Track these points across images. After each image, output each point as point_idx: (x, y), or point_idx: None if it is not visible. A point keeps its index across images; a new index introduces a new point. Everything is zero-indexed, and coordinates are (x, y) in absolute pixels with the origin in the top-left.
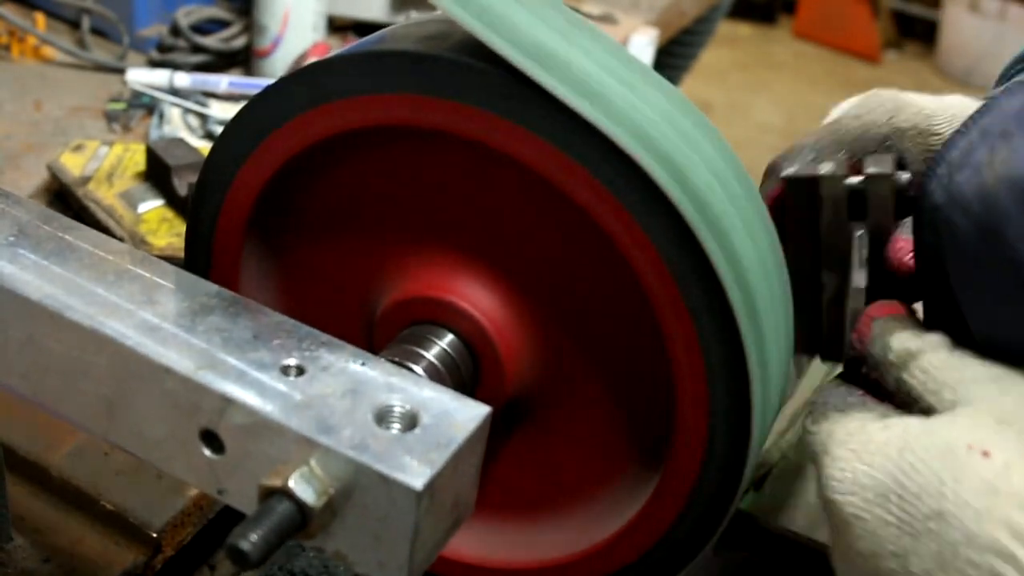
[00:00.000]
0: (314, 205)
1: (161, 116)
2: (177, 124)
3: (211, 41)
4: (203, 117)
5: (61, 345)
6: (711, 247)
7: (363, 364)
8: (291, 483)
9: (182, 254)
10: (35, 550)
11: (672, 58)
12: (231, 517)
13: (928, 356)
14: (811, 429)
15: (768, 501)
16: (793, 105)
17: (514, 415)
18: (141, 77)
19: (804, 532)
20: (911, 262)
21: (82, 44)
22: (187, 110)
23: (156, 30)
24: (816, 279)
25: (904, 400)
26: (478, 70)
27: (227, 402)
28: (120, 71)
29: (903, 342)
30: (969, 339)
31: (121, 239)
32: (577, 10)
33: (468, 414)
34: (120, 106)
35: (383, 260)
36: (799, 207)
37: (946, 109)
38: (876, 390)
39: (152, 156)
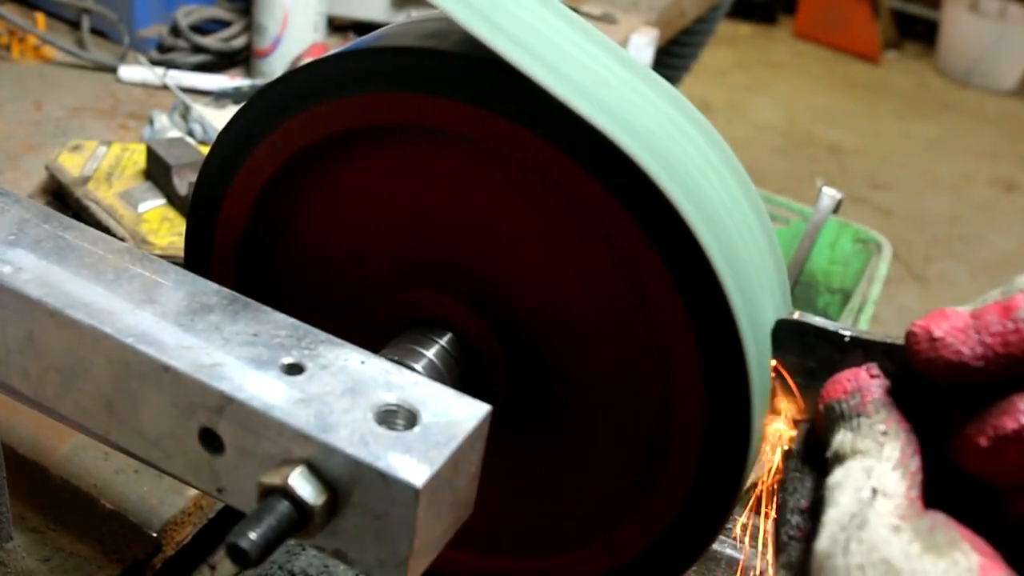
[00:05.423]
0: (313, 203)
1: (151, 120)
2: (167, 124)
3: (211, 41)
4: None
5: (61, 344)
6: (711, 248)
7: (363, 362)
8: (291, 482)
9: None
10: (35, 550)
11: (672, 58)
12: (231, 517)
13: None
14: None
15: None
16: (793, 105)
17: (514, 414)
18: (133, 75)
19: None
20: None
21: (82, 44)
22: (175, 109)
23: (156, 30)
24: None
25: None
26: (476, 69)
27: (227, 401)
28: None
29: None
30: None
31: (122, 239)
32: (577, 10)
33: (468, 413)
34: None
35: (383, 258)
36: None
37: None
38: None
39: (152, 155)
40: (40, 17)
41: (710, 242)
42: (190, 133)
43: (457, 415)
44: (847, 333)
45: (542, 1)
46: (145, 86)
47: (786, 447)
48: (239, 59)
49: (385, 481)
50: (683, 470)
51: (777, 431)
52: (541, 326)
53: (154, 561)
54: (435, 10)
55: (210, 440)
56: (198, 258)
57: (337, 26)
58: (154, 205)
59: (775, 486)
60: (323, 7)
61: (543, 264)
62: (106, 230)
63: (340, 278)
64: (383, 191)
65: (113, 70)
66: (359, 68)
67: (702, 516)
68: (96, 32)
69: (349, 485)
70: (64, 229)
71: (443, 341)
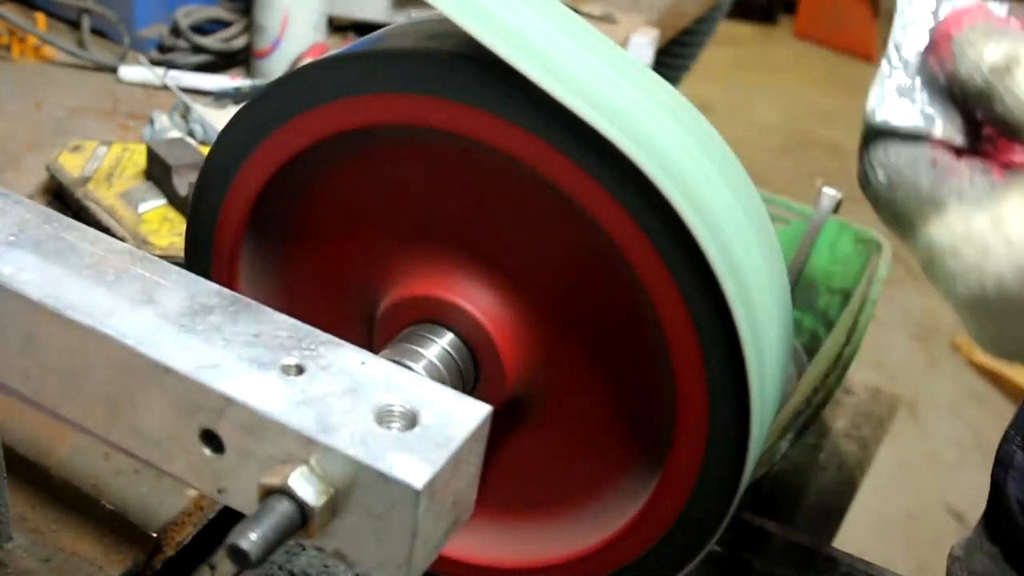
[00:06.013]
0: (313, 205)
1: (152, 120)
2: (167, 124)
3: (211, 41)
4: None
5: (61, 345)
6: (710, 248)
7: (363, 363)
8: (291, 482)
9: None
10: (35, 550)
11: (672, 58)
12: (231, 517)
13: None
14: (922, 228)
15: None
16: (793, 105)
17: (514, 414)
18: (133, 75)
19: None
20: None
21: (82, 44)
22: (176, 110)
23: (156, 30)
24: None
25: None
26: (476, 70)
27: (227, 401)
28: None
29: (998, 51)
30: None
31: (122, 239)
32: (577, 10)
33: (468, 413)
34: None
35: (383, 259)
36: None
37: None
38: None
39: (153, 156)
40: (40, 17)
41: (711, 244)
42: (190, 133)
43: (457, 416)
44: None
45: (541, 1)
46: (145, 86)
47: None
48: (239, 59)
49: (385, 482)
50: (684, 470)
51: None
52: (541, 325)
53: (154, 561)
54: (435, 11)
55: (210, 441)
56: (198, 259)
57: (337, 26)
58: (154, 205)
59: None
60: (323, 7)
61: (544, 263)
62: (106, 230)
63: (340, 278)
64: (383, 191)
65: (113, 70)
66: (359, 69)
67: (703, 515)
68: (96, 32)
69: (349, 486)
70: (65, 230)
71: (443, 342)
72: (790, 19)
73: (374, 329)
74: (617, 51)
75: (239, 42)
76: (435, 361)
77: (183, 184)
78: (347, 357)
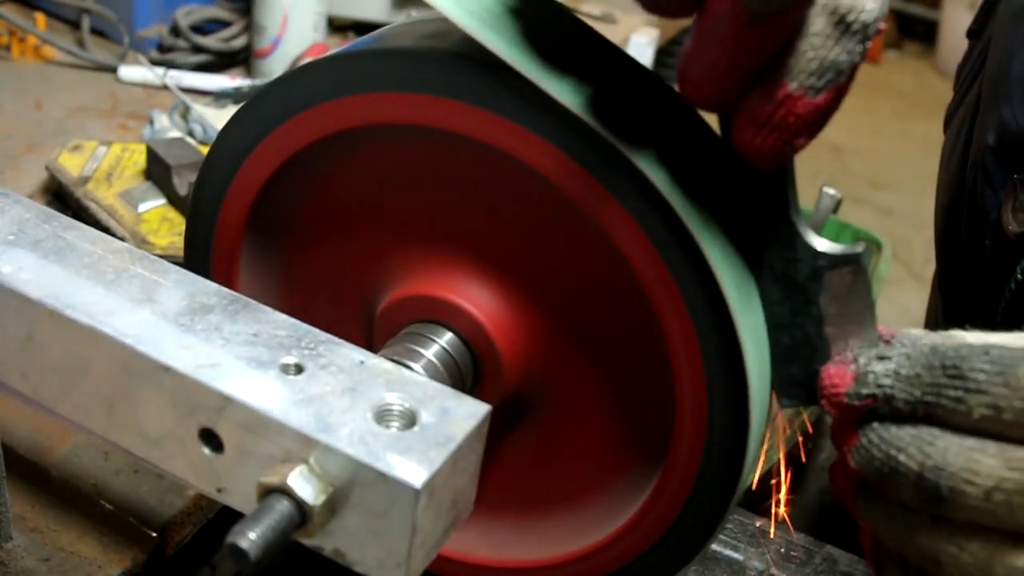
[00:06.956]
0: (313, 204)
1: (151, 120)
2: (167, 124)
3: (211, 41)
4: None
5: (60, 344)
6: (709, 249)
7: (362, 362)
8: (290, 481)
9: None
10: (35, 550)
11: (672, 58)
12: (231, 517)
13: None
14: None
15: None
16: None
17: (514, 414)
18: (133, 75)
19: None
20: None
21: (82, 44)
22: (175, 109)
23: (156, 30)
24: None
25: None
26: (476, 70)
27: (226, 401)
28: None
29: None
30: None
31: (122, 239)
32: (576, 10)
33: (467, 412)
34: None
35: (382, 259)
36: None
37: None
38: None
39: (152, 155)
40: (40, 17)
41: (708, 243)
42: (190, 133)
43: (456, 415)
44: None
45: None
46: (145, 86)
47: None
48: (239, 59)
49: (384, 481)
50: (683, 469)
51: None
52: (540, 324)
53: (154, 561)
54: (434, 11)
55: (210, 440)
56: (198, 258)
57: (337, 26)
58: (154, 205)
59: None
60: (323, 7)
61: (544, 263)
62: (106, 230)
63: (339, 277)
64: (382, 190)
65: (113, 70)
66: (358, 68)
67: (702, 514)
68: (96, 32)
69: (348, 485)
70: (64, 229)
71: (442, 341)
72: None
73: (373, 328)
74: (616, 52)
75: (239, 42)
76: (434, 360)
77: (183, 184)
78: (346, 356)
